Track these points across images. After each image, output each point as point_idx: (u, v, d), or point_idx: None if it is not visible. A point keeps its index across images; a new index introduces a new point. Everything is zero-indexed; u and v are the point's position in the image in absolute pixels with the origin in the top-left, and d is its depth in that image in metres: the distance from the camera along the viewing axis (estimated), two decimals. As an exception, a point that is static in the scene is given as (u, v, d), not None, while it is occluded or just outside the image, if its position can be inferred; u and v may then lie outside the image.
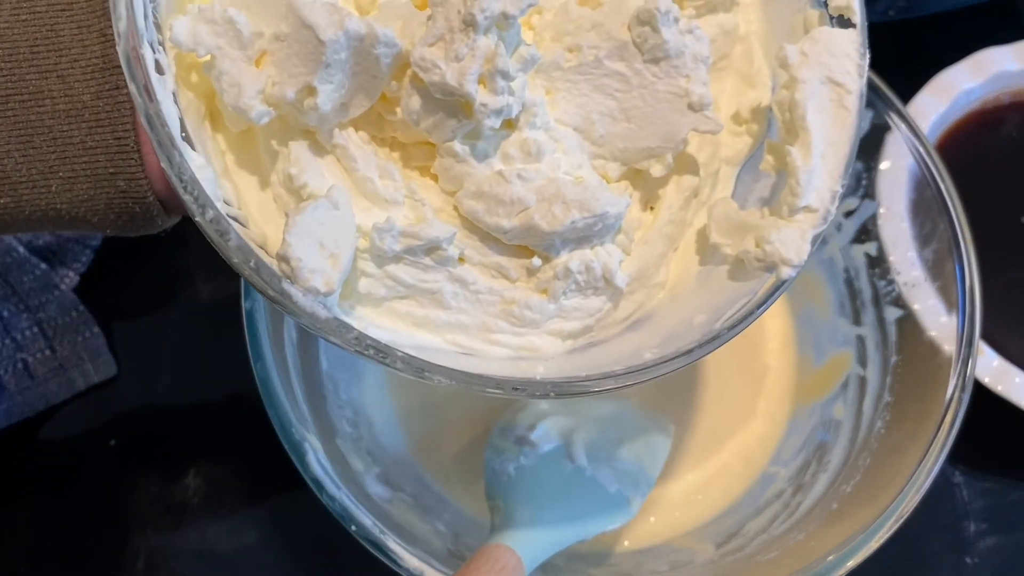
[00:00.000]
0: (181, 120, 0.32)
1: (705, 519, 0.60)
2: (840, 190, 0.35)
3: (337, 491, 0.48)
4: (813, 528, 0.53)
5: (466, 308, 0.36)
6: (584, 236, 0.36)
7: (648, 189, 0.39)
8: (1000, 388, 0.57)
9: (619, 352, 0.37)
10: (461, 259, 0.36)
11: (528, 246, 0.36)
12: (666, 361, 0.35)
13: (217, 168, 0.34)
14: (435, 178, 0.36)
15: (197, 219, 0.31)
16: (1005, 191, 0.64)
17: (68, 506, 0.60)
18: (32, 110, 0.34)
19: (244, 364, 0.49)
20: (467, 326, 0.36)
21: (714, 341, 0.36)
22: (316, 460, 0.48)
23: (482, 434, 0.58)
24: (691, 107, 0.36)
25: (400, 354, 0.32)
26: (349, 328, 0.32)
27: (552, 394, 0.34)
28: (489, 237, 0.36)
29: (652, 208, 0.39)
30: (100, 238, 0.63)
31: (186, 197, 0.31)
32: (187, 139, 0.32)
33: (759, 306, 0.36)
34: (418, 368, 0.32)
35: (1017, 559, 0.61)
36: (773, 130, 0.38)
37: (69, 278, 0.62)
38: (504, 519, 0.49)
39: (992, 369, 0.57)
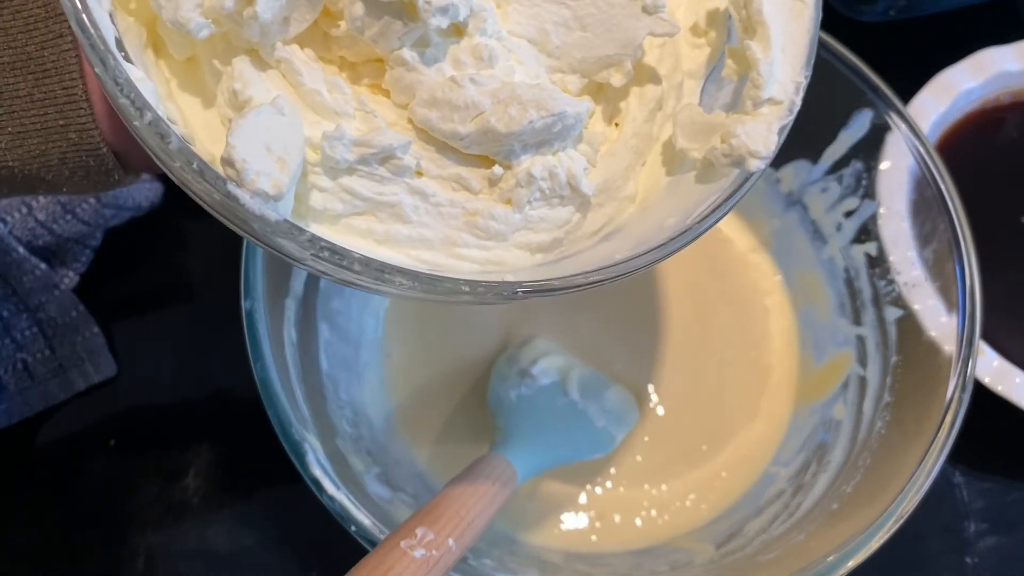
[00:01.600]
0: (119, 40, 0.31)
1: (705, 519, 0.60)
2: (804, 81, 0.35)
3: (337, 491, 0.48)
4: (813, 528, 0.53)
5: (428, 222, 0.35)
6: (544, 140, 0.35)
7: (611, 103, 0.38)
8: (1000, 388, 0.57)
9: (591, 260, 0.36)
10: (419, 173, 0.35)
11: (487, 155, 0.35)
12: (638, 256, 0.35)
13: (161, 92, 0.33)
14: (386, 95, 0.35)
15: (135, 124, 0.29)
16: (1005, 191, 0.64)
17: (68, 506, 0.60)
18: None
19: (244, 364, 0.49)
20: (430, 240, 0.35)
21: (685, 234, 0.35)
22: (316, 460, 0.48)
23: (483, 433, 0.58)
24: (645, 10, 0.35)
25: (357, 255, 0.31)
26: (302, 230, 0.30)
27: (520, 293, 0.32)
28: (447, 148, 0.35)
29: (617, 124, 0.39)
30: (100, 238, 0.63)
31: (123, 101, 0.29)
32: (127, 59, 0.31)
33: (729, 198, 0.36)
34: (377, 270, 0.31)
35: (1017, 559, 0.61)
36: (733, 38, 0.37)
37: (69, 278, 0.62)
38: (503, 438, 0.55)
39: (992, 369, 0.57)
